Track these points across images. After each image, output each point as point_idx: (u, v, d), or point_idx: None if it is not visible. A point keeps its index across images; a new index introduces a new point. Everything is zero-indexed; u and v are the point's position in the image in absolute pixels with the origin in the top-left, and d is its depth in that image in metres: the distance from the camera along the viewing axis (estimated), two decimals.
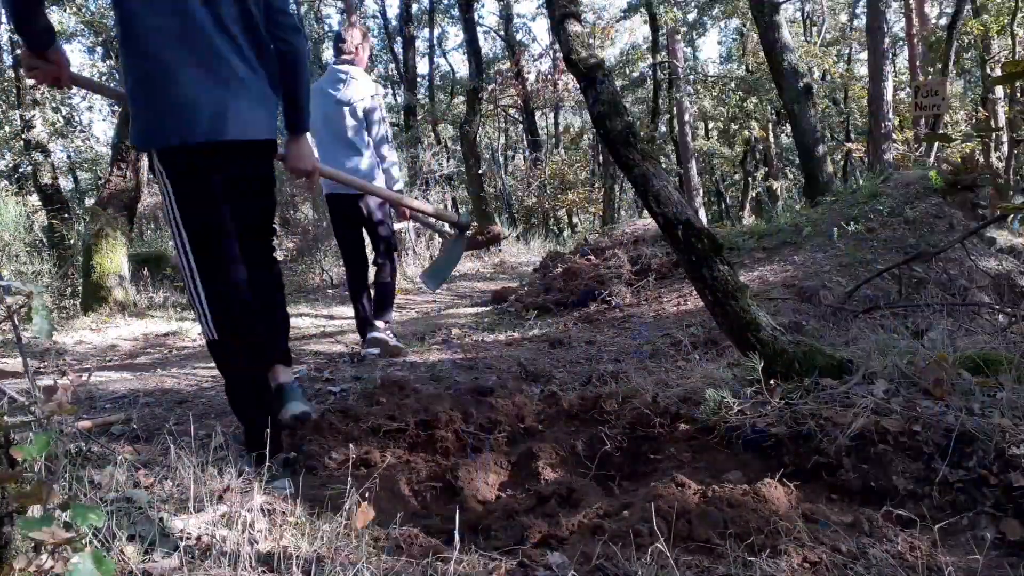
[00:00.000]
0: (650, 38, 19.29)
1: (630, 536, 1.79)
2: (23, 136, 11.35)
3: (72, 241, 9.48)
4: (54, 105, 11.88)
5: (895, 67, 15.33)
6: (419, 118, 18.35)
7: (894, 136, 10.37)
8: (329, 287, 9.02)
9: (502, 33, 20.48)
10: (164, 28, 2.08)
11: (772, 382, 2.48)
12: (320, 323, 6.61)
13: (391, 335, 4.49)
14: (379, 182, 4.28)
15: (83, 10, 13.67)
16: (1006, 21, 10.42)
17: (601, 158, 17.03)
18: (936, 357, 2.36)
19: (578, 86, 2.93)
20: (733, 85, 19.47)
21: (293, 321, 6.70)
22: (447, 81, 23.86)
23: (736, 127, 21.90)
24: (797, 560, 1.67)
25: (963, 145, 10.30)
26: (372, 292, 4.53)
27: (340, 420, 2.72)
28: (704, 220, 10.89)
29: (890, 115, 9.81)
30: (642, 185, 2.69)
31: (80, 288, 7.62)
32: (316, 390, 3.60)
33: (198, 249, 2.19)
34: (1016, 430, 1.98)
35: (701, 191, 18.08)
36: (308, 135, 2.46)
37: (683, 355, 3.75)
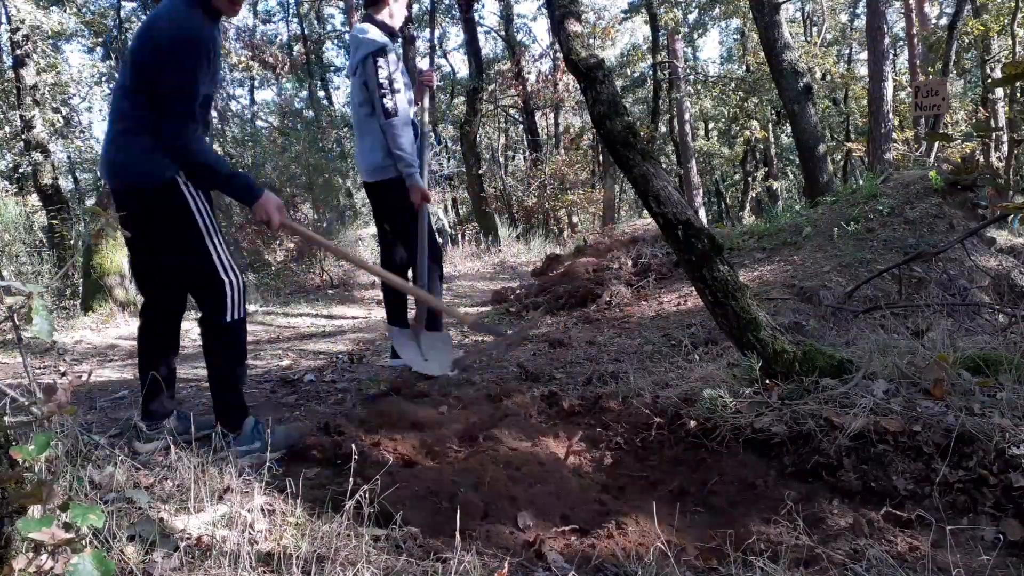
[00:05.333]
0: (650, 38, 19.30)
1: (630, 536, 1.79)
2: (23, 136, 11.35)
3: (72, 241, 9.49)
4: (54, 105, 11.89)
5: (895, 67, 15.32)
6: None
7: (894, 136, 10.36)
8: (329, 287, 9.02)
9: (502, 33, 20.47)
10: None
11: (771, 382, 2.48)
12: (320, 323, 6.61)
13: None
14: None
15: (83, 10, 13.67)
16: (1006, 21, 10.42)
17: (601, 158, 17.02)
18: (936, 357, 2.36)
19: (578, 86, 2.93)
20: (733, 85, 19.46)
21: (293, 321, 6.72)
22: (447, 81, 23.86)
23: (736, 127, 21.89)
24: (797, 560, 1.67)
25: (963, 145, 10.30)
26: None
27: (341, 422, 2.72)
28: (704, 220, 10.89)
29: (890, 115, 9.81)
30: (642, 185, 2.69)
31: (80, 288, 7.62)
32: (317, 391, 3.61)
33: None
34: (1016, 430, 1.98)
35: (701, 191, 18.07)
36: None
37: (683, 355, 3.75)
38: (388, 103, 3.42)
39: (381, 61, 3.40)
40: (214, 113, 17.32)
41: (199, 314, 2.51)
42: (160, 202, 2.34)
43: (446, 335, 3.89)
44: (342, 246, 9.77)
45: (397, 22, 3.63)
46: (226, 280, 2.39)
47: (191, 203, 2.36)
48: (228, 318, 2.41)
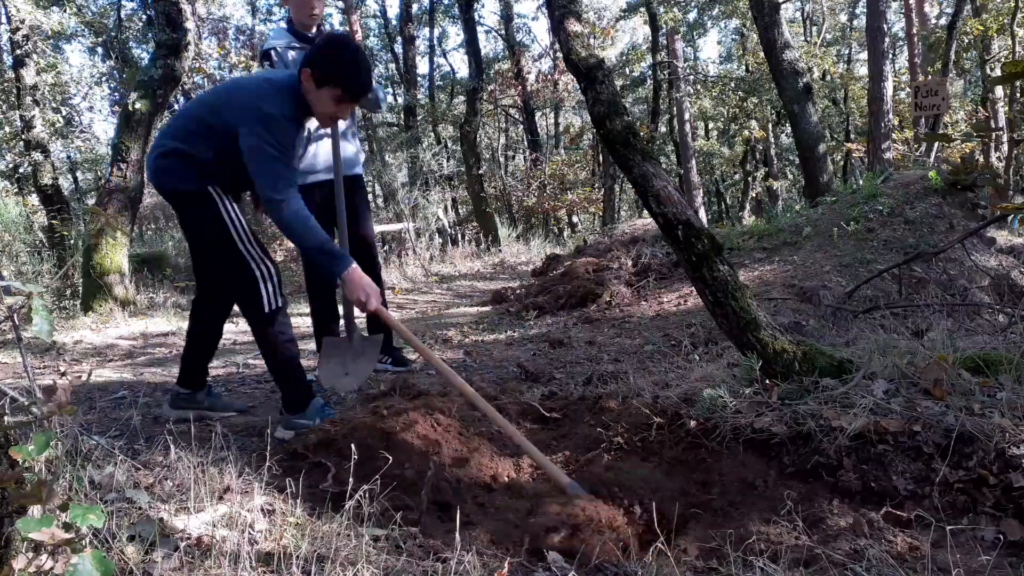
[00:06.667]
0: (650, 38, 19.30)
1: (631, 536, 1.79)
2: (23, 136, 11.34)
3: (72, 241, 9.49)
4: (54, 105, 11.88)
5: (895, 67, 15.32)
6: (419, 118, 18.33)
7: (894, 136, 10.36)
8: None
9: (502, 33, 20.49)
10: None
11: (772, 382, 2.48)
12: None
13: None
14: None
15: (83, 10, 13.67)
16: (1006, 21, 10.42)
17: (601, 158, 17.02)
18: (936, 357, 2.36)
19: (578, 86, 2.93)
20: (733, 85, 19.46)
21: (293, 320, 6.71)
22: (447, 81, 23.86)
23: (736, 127, 21.89)
24: (797, 560, 1.67)
25: (963, 145, 10.30)
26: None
27: (344, 423, 2.72)
28: (704, 220, 10.88)
29: (890, 115, 9.81)
30: (642, 185, 2.69)
31: (80, 288, 7.62)
32: (317, 391, 3.60)
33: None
34: (1016, 430, 1.98)
35: (701, 191, 18.08)
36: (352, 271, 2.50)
37: (683, 355, 3.75)
38: None
39: (266, 64, 3.52)
40: None
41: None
42: (192, 207, 2.61)
43: (377, 339, 3.51)
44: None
45: (298, 17, 3.59)
46: (257, 273, 2.62)
47: (222, 210, 2.60)
48: (266, 309, 2.64)
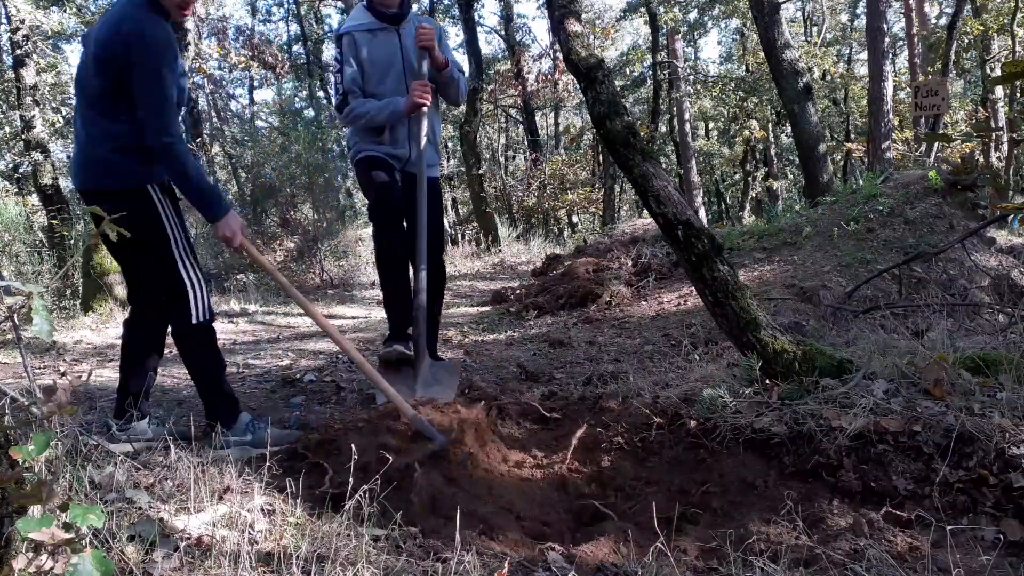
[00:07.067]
0: (650, 38, 19.30)
1: (631, 536, 1.79)
2: (23, 136, 11.34)
3: (72, 241, 9.49)
4: (54, 105, 11.88)
5: (895, 67, 15.32)
6: None
7: (894, 136, 10.36)
8: (329, 287, 9.02)
9: (502, 33, 20.46)
10: None
11: (772, 382, 2.48)
12: None
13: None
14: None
15: (83, 10, 13.66)
16: (1006, 21, 10.43)
17: (601, 158, 17.02)
18: (936, 357, 2.36)
19: (578, 86, 2.93)
20: (733, 85, 19.45)
21: (293, 320, 6.71)
22: None
23: (736, 127, 21.89)
24: (797, 560, 1.67)
25: (963, 145, 10.30)
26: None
27: (344, 423, 2.72)
28: (704, 220, 10.88)
29: (890, 115, 9.81)
30: (642, 185, 2.69)
31: (80, 288, 7.61)
32: (317, 391, 3.61)
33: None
34: (1016, 430, 1.98)
35: (701, 191, 18.08)
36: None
37: (683, 355, 3.75)
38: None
39: (335, 51, 3.28)
40: (212, 113, 17.32)
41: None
42: (129, 207, 2.19)
43: (452, 364, 3.29)
44: (340, 244, 9.85)
45: None
46: (188, 284, 2.48)
47: (160, 211, 2.45)
48: (194, 320, 2.50)
